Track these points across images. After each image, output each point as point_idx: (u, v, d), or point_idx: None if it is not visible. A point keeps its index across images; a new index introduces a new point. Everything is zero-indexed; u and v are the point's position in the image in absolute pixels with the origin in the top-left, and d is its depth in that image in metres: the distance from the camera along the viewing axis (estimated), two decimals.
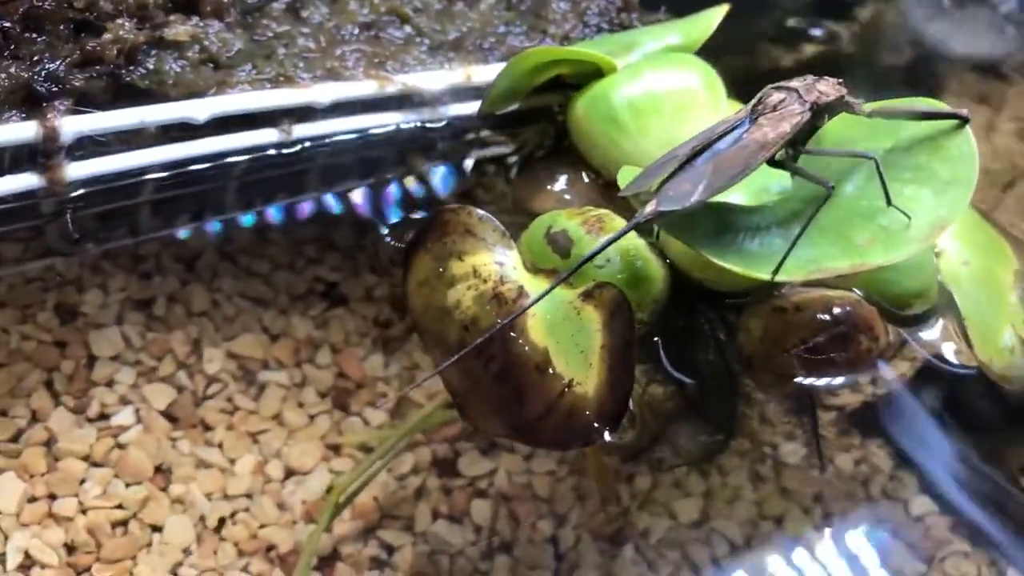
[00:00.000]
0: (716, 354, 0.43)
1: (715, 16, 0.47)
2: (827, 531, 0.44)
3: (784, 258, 0.33)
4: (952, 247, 0.42)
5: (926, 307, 0.42)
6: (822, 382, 0.41)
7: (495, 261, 0.39)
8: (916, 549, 0.44)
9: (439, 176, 0.50)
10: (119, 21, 0.42)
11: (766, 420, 0.46)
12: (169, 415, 0.46)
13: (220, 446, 0.46)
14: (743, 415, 0.45)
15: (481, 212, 0.40)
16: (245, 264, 0.51)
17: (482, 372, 0.37)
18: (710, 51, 0.48)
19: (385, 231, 0.49)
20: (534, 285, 0.39)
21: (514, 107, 0.49)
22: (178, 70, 0.43)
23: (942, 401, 0.44)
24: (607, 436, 0.35)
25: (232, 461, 0.45)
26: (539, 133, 0.51)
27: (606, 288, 0.37)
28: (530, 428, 0.36)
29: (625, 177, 0.38)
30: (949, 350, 0.42)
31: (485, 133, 0.51)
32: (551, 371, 0.36)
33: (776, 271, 0.33)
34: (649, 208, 0.33)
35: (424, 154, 0.49)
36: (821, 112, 0.34)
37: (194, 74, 0.43)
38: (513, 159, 0.51)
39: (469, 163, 0.51)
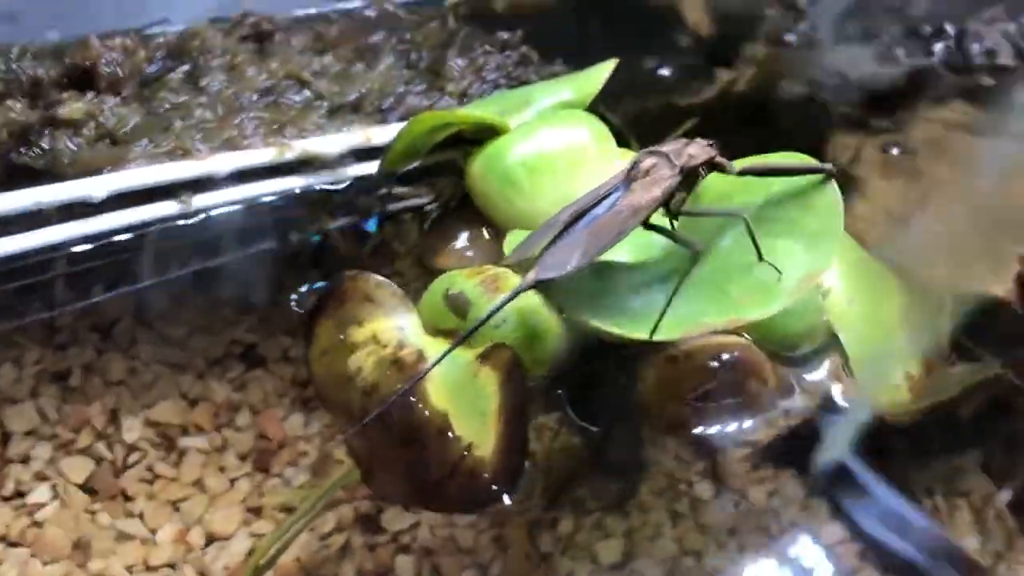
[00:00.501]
0: (619, 401, 0.44)
1: (604, 71, 0.49)
2: (743, 563, 0.45)
3: (660, 319, 0.34)
4: (838, 286, 0.44)
5: (814, 347, 0.43)
6: (715, 430, 0.42)
7: (395, 326, 0.40)
8: None
9: (347, 235, 0.51)
10: (9, 102, 0.42)
11: (681, 459, 0.47)
12: (88, 488, 0.46)
13: (141, 516, 0.45)
14: (660, 453, 0.46)
15: (379, 278, 0.41)
16: (162, 330, 0.51)
17: (386, 438, 0.38)
18: (611, 96, 0.49)
19: (292, 298, 0.50)
20: (434, 347, 0.40)
21: (416, 164, 0.50)
22: (74, 148, 0.44)
23: (846, 430, 0.46)
24: (506, 499, 0.36)
25: (153, 531, 0.45)
26: (451, 184, 0.52)
27: (501, 349, 0.38)
28: (433, 493, 0.37)
29: (512, 242, 0.39)
30: (837, 389, 0.44)
31: (399, 189, 0.51)
32: (451, 435, 0.37)
33: (653, 331, 0.34)
34: (530, 277, 0.34)
35: (330, 214, 0.50)
36: (690, 174, 0.36)
37: (90, 152, 0.44)
38: (431, 207, 0.52)
39: (372, 223, 0.51)
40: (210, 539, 0.45)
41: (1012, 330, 0.49)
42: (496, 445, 0.36)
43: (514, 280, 0.41)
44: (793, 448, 0.46)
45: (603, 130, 0.46)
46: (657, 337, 0.34)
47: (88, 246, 0.45)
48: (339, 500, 0.46)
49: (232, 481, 0.47)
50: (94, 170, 0.43)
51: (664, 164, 0.36)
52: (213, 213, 0.46)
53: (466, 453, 0.37)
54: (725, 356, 0.41)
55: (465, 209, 0.49)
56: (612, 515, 0.45)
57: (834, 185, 0.36)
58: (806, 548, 0.44)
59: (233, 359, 0.51)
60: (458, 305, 0.41)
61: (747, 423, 0.43)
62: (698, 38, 0.69)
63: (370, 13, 0.59)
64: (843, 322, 0.43)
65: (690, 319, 0.35)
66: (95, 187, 0.43)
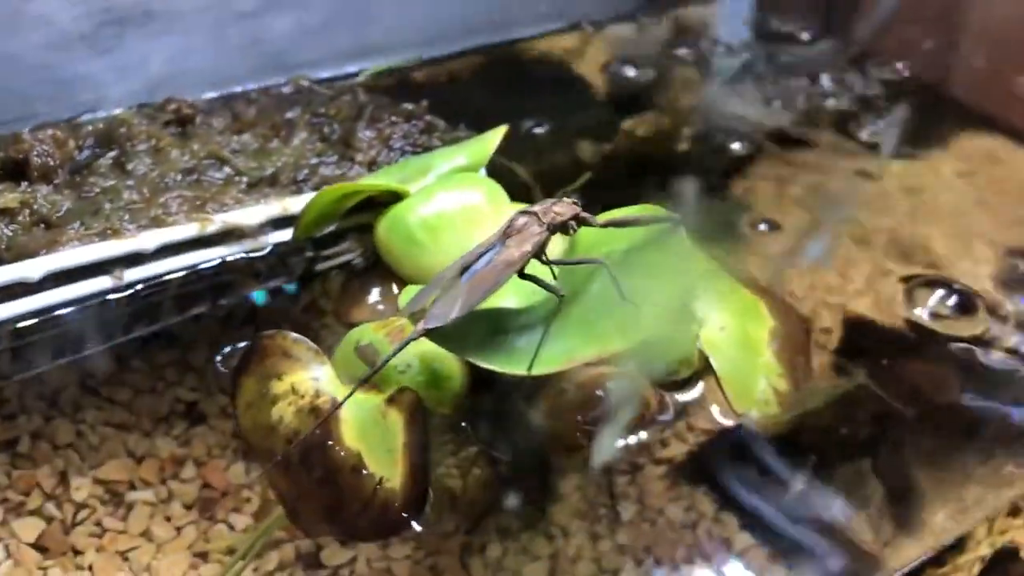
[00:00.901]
0: (524, 431, 0.48)
1: (496, 136, 0.54)
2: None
3: (535, 356, 0.39)
4: (712, 315, 0.49)
5: (690, 372, 0.49)
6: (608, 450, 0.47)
7: (311, 377, 0.45)
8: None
9: (272, 297, 0.56)
10: None
11: (598, 482, 0.51)
12: (39, 546, 0.48)
13: (90, 568, 0.48)
14: (582, 478, 0.50)
15: (295, 335, 0.45)
16: (107, 394, 0.54)
17: (307, 479, 0.43)
18: (530, 152, 0.54)
19: (217, 358, 0.54)
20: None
21: (333, 227, 0.54)
22: (10, 234, 0.47)
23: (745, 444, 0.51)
24: (415, 525, 0.40)
25: None
26: (362, 245, 0.56)
27: (405, 392, 0.43)
28: (351, 526, 0.42)
29: (406, 297, 0.44)
30: (714, 408, 0.49)
31: (309, 253, 0.56)
32: (364, 471, 0.42)
33: (530, 366, 0.39)
34: (420, 326, 0.39)
35: (255, 277, 0.54)
36: (557, 229, 0.41)
37: (26, 236, 0.47)
38: (357, 261, 0.56)
39: (295, 285, 0.56)
40: None
41: (874, 344, 0.54)
42: (404, 477, 0.41)
43: None
44: (705, 463, 0.50)
45: (497, 190, 0.52)
46: (536, 371, 0.39)
47: (31, 321, 0.49)
48: (281, 540, 0.49)
49: (178, 529, 0.49)
50: (30, 253, 0.47)
51: (534, 222, 0.41)
52: (143, 285, 0.50)
53: (378, 487, 0.41)
54: (609, 384, 0.46)
55: (377, 267, 0.54)
56: (538, 538, 0.49)
57: (682, 231, 0.41)
58: (719, 557, 0.48)
59: (176, 417, 0.53)
60: (367, 355, 0.45)
61: (632, 440, 0.48)
62: (597, 100, 0.75)
63: (287, 90, 0.64)
64: (714, 348, 0.49)
65: (564, 354, 0.40)
66: (32, 269, 0.46)
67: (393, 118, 0.59)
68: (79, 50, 0.65)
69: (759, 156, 0.71)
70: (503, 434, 0.49)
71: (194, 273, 0.52)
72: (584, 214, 0.41)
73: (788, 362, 0.49)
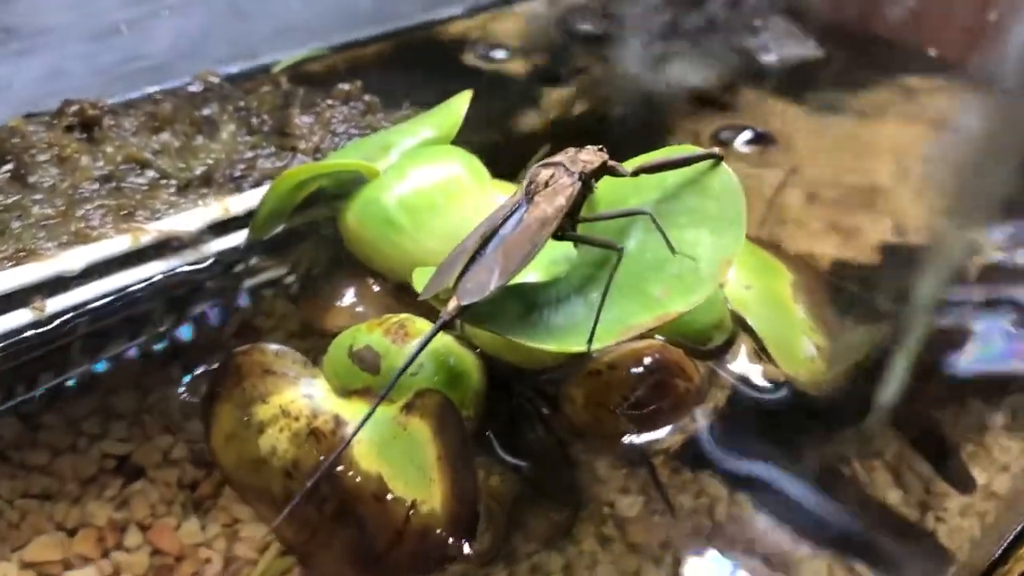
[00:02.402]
0: (543, 430, 0.42)
1: (461, 103, 0.48)
2: (684, 571, 0.44)
3: (594, 327, 0.33)
4: (732, 275, 0.44)
5: (725, 337, 0.44)
6: (652, 435, 0.41)
7: (303, 395, 0.37)
8: (771, 563, 0.45)
9: (215, 316, 0.48)
10: None
11: (598, 481, 0.46)
12: None
13: None
14: (576, 480, 0.45)
15: (276, 347, 0.38)
16: (20, 459, 0.45)
17: (317, 517, 0.35)
18: (460, 135, 0.49)
19: (180, 389, 0.46)
20: (350, 410, 0.37)
21: (280, 229, 0.47)
22: None
23: (756, 419, 0.46)
24: (467, 549, 0.33)
25: None
26: (311, 249, 0.49)
27: (427, 395, 0.36)
28: (383, 563, 0.34)
29: (419, 280, 0.37)
30: (756, 372, 0.44)
31: (254, 261, 0.48)
32: (390, 496, 0.35)
33: (590, 341, 0.33)
34: (452, 305, 0.33)
35: (197, 296, 0.46)
36: (589, 179, 0.35)
37: None
38: (290, 279, 0.49)
39: (243, 295, 0.48)
40: None
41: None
42: (445, 496, 0.34)
43: (422, 323, 0.39)
44: (707, 447, 0.46)
45: (474, 161, 0.45)
46: (594, 346, 0.33)
47: None
48: None
49: None
50: None
51: (562, 173, 0.35)
52: (66, 318, 0.42)
53: (411, 513, 0.34)
54: (647, 360, 0.40)
55: (341, 266, 0.47)
56: (546, 554, 0.43)
57: (725, 167, 0.36)
58: (743, 539, 0.43)
59: (108, 475, 0.45)
60: (367, 360, 0.38)
61: (673, 429, 0.43)
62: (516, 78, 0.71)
63: (195, 88, 0.55)
64: (746, 308, 0.44)
65: (619, 323, 0.34)
66: None
67: (329, 101, 0.53)
68: None
69: (688, 112, 0.68)
70: (523, 435, 0.42)
71: (125, 296, 0.43)
72: (612, 162, 0.36)
73: (817, 316, 0.45)
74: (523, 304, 0.35)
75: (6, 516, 0.44)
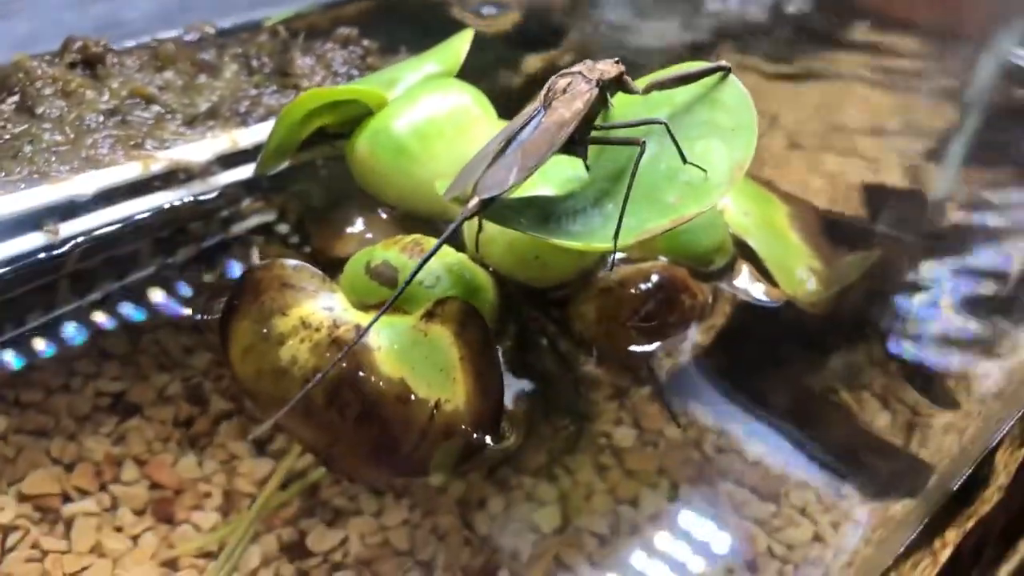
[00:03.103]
0: (551, 349, 0.43)
1: (464, 41, 0.49)
2: (678, 499, 0.45)
3: (619, 225, 0.34)
4: (730, 202, 0.46)
5: (726, 260, 0.45)
6: (656, 346, 0.42)
7: (323, 307, 0.38)
8: (760, 491, 0.46)
9: (222, 248, 0.48)
10: None
11: (594, 411, 0.46)
12: None
13: None
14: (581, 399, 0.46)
15: (294, 262, 0.38)
16: (13, 397, 0.45)
17: (340, 422, 0.35)
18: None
19: (188, 311, 0.46)
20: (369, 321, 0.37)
21: (285, 165, 0.47)
22: None
23: (745, 348, 0.47)
24: (489, 441, 0.34)
25: None
26: (317, 183, 0.50)
27: (447, 302, 0.36)
28: (410, 462, 0.35)
29: (443, 183, 0.38)
30: (758, 291, 0.45)
31: (246, 202, 0.48)
32: (414, 398, 0.35)
33: (616, 237, 0.34)
34: (473, 201, 0.33)
35: (205, 229, 0.46)
36: (605, 88, 0.36)
37: None
38: (297, 212, 0.49)
39: (249, 228, 0.48)
40: None
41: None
42: (469, 393, 0.35)
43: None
44: (695, 378, 0.47)
45: (480, 95, 0.46)
46: (618, 243, 0.34)
47: None
48: (258, 532, 0.42)
49: (134, 538, 0.42)
50: None
51: (580, 80, 0.36)
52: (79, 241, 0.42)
53: (435, 411, 0.35)
54: (655, 277, 0.41)
55: (350, 198, 0.48)
56: (540, 484, 0.44)
57: (734, 79, 0.38)
58: (733, 470, 0.45)
59: (103, 412, 0.45)
60: (385, 274, 0.39)
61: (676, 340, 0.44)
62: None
63: (191, 38, 0.56)
64: (747, 232, 0.45)
65: (636, 227, 0.35)
66: None
67: (329, 44, 0.53)
68: None
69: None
70: (531, 354, 0.43)
71: (132, 225, 0.43)
72: (627, 77, 0.37)
73: (813, 243, 0.47)
74: (542, 213, 0.36)
75: (1, 451, 0.44)
